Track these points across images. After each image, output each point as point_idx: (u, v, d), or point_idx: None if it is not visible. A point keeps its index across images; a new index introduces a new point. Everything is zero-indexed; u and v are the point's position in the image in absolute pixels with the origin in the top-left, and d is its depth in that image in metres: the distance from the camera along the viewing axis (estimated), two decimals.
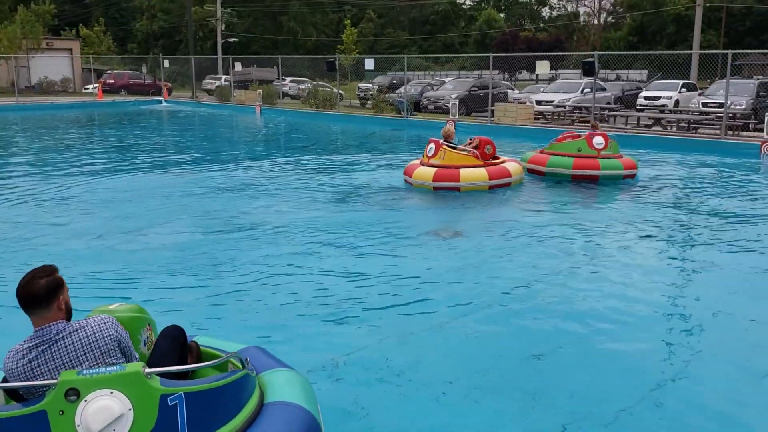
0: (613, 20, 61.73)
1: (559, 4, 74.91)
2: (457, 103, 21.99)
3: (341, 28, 43.64)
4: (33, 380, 2.60)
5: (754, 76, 24.97)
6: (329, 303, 5.38)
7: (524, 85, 35.08)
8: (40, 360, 2.64)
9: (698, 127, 18.42)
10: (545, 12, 72.89)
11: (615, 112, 21.01)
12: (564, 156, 11.22)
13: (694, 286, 5.92)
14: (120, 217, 8.48)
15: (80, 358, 2.67)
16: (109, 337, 2.73)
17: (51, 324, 2.68)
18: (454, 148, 10.61)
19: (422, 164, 10.58)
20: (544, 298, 5.56)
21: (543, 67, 21.76)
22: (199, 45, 54.84)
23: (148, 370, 2.53)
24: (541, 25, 61.70)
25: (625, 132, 18.48)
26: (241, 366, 2.92)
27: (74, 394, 2.44)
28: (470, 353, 4.51)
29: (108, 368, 2.53)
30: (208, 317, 5.10)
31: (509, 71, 41.74)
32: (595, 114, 19.80)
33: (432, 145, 10.52)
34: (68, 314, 2.76)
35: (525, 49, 44.58)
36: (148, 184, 11.01)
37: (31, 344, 2.66)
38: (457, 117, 21.06)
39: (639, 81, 33.79)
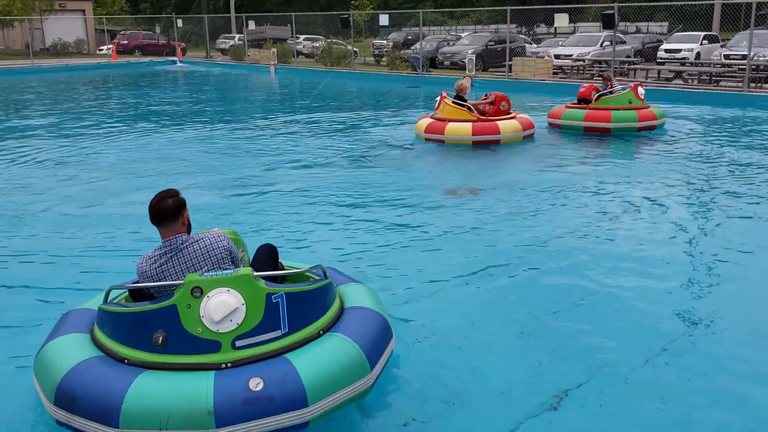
0: None
1: None
2: (474, 58, 21.70)
3: None
4: (163, 281, 3.21)
5: None
6: (347, 261, 5.43)
7: (543, 38, 34.45)
8: (168, 265, 3.24)
9: (720, 80, 18.07)
10: None
11: (635, 66, 20.64)
12: (618, 109, 11.18)
13: (716, 241, 5.88)
14: (137, 177, 8.55)
15: (200, 264, 3.25)
16: (223, 248, 3.32)
17: (176, 236, 3.27)
18: (463, 103, 10.62)
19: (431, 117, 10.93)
20: (561, 255, 5.55)
21: (562, 20, 21.33)
22: (212, 4, 54.28)
23: (255, 273, 3.08)
24: None
25: (646, 86, 18.15)
26: (324, 276, 3.45)
27: (198, 292, 2.97)
28: (487, 309, 4.54)
29: (224, 271, 3.08)
30: None
31: (527, 25, 40.97)
32: (615, 68, 19.47)
33: (438, 98, 10.81)
34: (189, 228, 3.37)
35: (543, 1, 43.65)
36: (166, 145, 11.06)
37: (160, 252, 3.26)
38: (474, 73, 20.84)
39: (659, 33, 33.07)
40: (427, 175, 8.60)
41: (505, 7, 20.92)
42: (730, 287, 4.88)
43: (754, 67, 17.19)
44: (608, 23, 18.70)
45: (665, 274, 5.10)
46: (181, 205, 3.27)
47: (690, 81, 18.82)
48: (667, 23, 38.37)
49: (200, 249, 3.27)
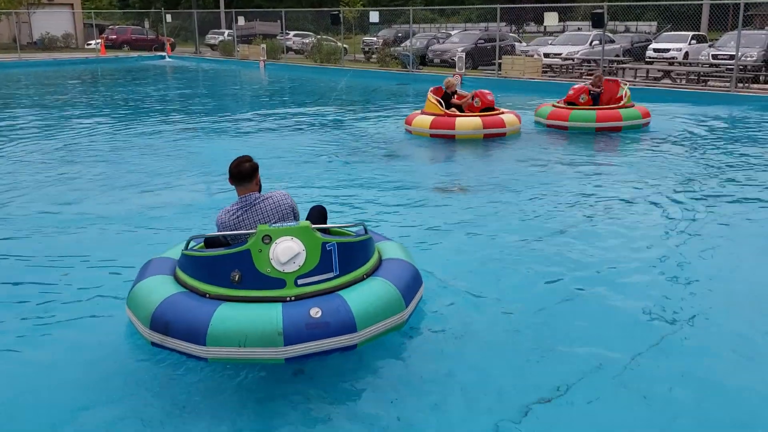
0: None
1: None
2: (464, 56, 21.72)
3: None
4: (238, 230, 3.92)
5: (767, 27, 24.55)
6: None
7: (532, 37, 34.52)
8: (243, 216, 3.98)
9: (708, 80, 18.19)
10: None
11: (624, 65, 20.73)
12: None
13: (703, 240, 5.92)
14: (127, 172, 8.51)
15: (269, 217, 4.01)
16: (287, 205, 4.10)
17: (250, 193, 4.03)
18: (449, 98, 11.10)
19: None
20: (548, 252, 5.58)
21: (551, 19, 21.40)
22: None
23: (313, 226, 3.80)
24: None
25: (635, 85, 18.26)
26: (365, 232, 4.17)
27: (268, 239, 3.68)
28: (475, 307, 4.54)
29: (289, 223, 3.86)
30: None
31: (516, 23, 41.05)
32: (604, 66, 19.54)
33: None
34: (260, 188, 4.12)
35: (534, 0, 43.76)
36: (152, 140, 10.99)
37: (237, 207, 4.01)
38: (463, 71, 20.85)
39: (648, 33, 33.23)
40: (416, 172, 8.60)
41: (495, 6, 20.93)
42: (717, 286, 4.91)
43: (741, 67, 17.30)
44: (597, 22, 18.76)
45: (653, 273, 5.12)
46: (255, 168, 4.05)
47: (678, 81, 18.92)
48: (656, 23, 38.56)
49: (270, 204, 4.04)
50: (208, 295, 3.75)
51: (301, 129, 12.14)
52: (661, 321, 4.32)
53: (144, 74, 25.51)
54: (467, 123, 10.66)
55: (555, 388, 3.53)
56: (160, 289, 3.89)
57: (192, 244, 4.03)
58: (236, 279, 3.69)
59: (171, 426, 3.24)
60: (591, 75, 16.50)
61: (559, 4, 21.10)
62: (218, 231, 4.02)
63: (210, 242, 4.11)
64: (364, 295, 3.81)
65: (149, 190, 7.70)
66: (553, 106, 11.90)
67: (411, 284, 4.15)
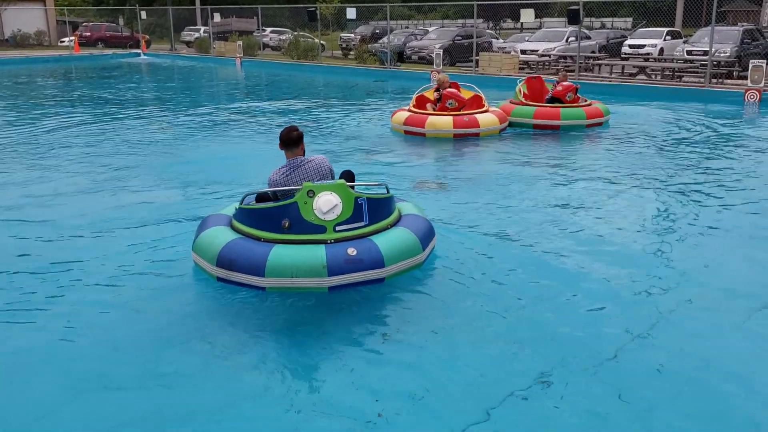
0: None
1: None
2: (441, 53, 21.71)
3: None
4: (287, 186, 4.81)
5: (739, 23, 24.84)
6: None
7: (509, 34, 34.61)
8: (291, 176, 4.89)
9: (682, 76, 18.35)
10: None
11: (599, 61, 20.85)
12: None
13: (679, 235, 5.96)
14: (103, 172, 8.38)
15: (312, 175, 4.91)
16: (327, 167, 5.03)
17: (297, 157, 4.95)
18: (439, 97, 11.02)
19: None
20: (523, 249, 5.59)
21: (528, 16, 21.46)
22: None
23: (347, 183, 4.66)
24: None
25: (610, 81, 18.39)
26: (387, 191, 5.07)
27: (312, 193, 4.53)
28: (449, 304, 4.55)
29: (328, 181, 4.86)
30: None
31: (493, 20, 41.16)
32: (580, 63, 19.64)
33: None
34: (304, 152, 5.01)
35: None
36: (126, 137, 10.83)
37: (286, 168, 4.94)
38: (441, 67, 20.84)
39: (624, 29, 33.45)
40: (397, 169, 8.57)
41: (471, 2, 20.95)
42: (693, 281, 4.94)
43: (715, 62, 17.49)
44: (573, 18, 18.85)
45: (629, 269, 5.14)
46: (301, 136, 4.96)
47: (653, 77, 19.07)
48: (631, 19, 38.85)
49: (313, 166, 4.94)
50: (262, 239, 4.59)
51: (279, 125, 12.05)
52: (636, 317, 4.33)
53: (118, 72, 25.17)
54: (437, 122, 10.49)
55: (534, 379, 3.53)
56: (221, 235, 4.75)
57: (246, 200, 4.90)
58: (286, 226, 4.52)
59: (227, 338, 4.08)
60: (569, 71, 16.55)
61: (535, 1, 21.09)
62: (270, 187, 4.89)
63: (260, 197, 4.95)
64: (390, 240, 4.69)
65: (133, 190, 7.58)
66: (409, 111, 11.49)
67: (427, 233, 5.04)
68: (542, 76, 12.91)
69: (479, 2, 21.09)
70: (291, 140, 4.92)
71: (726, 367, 3.75)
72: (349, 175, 5.21)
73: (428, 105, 11.16)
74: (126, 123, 12.53)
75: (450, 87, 11.02)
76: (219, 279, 4.68)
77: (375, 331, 4.15)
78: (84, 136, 11.08)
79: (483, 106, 11.11)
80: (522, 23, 34.47)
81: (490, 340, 4.05)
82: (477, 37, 22.61)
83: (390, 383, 3.58)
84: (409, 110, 11.01)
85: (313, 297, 4.49)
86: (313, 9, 26.15)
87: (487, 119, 10.67)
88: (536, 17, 25.88)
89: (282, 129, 5.01)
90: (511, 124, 11.42)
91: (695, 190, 7.40)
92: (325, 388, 3.56)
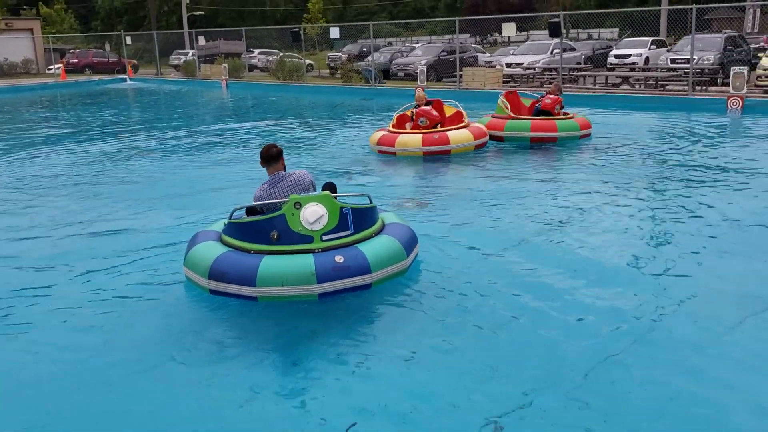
0: None
1: None
2: (425, 69, 21.65)
3: None
4: (271, 200, 5.01)
5: (724, 31, 24.82)
6: None
7: (496, 48, 34.65)
8: (273, 190, 5.11)
9: (666, 84, 18.28)
10: None
11: (583, 73, 20.80)
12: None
13: (658, 243, 5.82)
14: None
15: (294, 189, 5.09)
16: (308, 180, 5.22)
17: (278, 172, 5.18)
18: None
19: None
20: (503, 265, 5.47)
21: (510, 30, 21.41)
22: (165, 19, 53.57)
23: (331, 195, 4.83)
24: None
25: (594, 92, 18.31)
26: (370, 202, 5.25)
27: (298, 205, 4.70)
28: (427, 324, 4.47)
29: (313, 193, 5.09)
30: None
31: (480, 34, 41.24)
32: (564, 75, 19.57)
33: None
34: (284, 167, 5.23)
35: (495, 11, 43.95)
36: (101, 162, 10.66)
37: (269, 182, 5.15)
38: (425, 84, 20.75)
39: (610, 39, 33.49)
40: (378, 186, 8.37)
41: (454, 18, 20.92)
42: (673, 297, 4.79)
43: (698, 70, 17.41)
44: (554, 31, 18.80)
45: (611, 284, 5.01)
46: (280, 152, 5.21)
47: (638, 86, 19.00)
48: (617, 29, 38.95)
49: (294, 179, 5.15)
50: (252, 251, 4.74)
51: (259, 146, 11.88)
52: (623, 330, 4.24)
53: (101, 98, 25.07)
54: (407, 141, 10.28)
55: (521, 395, 3.46)
56: (212, 249, 4.92)
57: (235, 214, 5.08)
58: (275, 237, 4.69)
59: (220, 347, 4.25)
60: (552, 83, 16.45)
61: (520, 15, 21.07)
62: (255, 202, 5.08)
63: (250, 211, 5.18)
64: (375, 247, 4.88)
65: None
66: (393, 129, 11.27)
67: (410, 240, 5.25)
68: (517, 90, 12.78)
69: (461, 18, 21.06)
70: (271, 156, 5.15)
71: (710, 374, 3.66)
72: (331, 187, 5.43)
73: (406, 124, 11.02)
74: (101, 148, 12.35)
75: (426, 105, 10.88)
76: (212, 291, 4.82)
77: (360, 342, 4.25)
78: (59, 166, 10.90)
79: (463, 122, 10.93)
80: (509, 37, 34.53)
81: (469, 359, 3.96)
82: (462, 52, 22.55)
83: (373, 398, 3.57)
84: (388, 130, 10.84)
85: (304, 305, 4.67)
86: (296, 30, 26.11)
87: (459, 136, 10.35)
88: (523, 30, 25.91)
89: (262, 147, 5.25)
90: (504, 139, 11.26)
91: (678, 203, 7.23)
92: (303, 400, 3.64)
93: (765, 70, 16.64)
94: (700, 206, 7.02)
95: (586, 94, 17.93)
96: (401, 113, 11.27)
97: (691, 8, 16.29)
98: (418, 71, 21.80)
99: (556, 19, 18.58)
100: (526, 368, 3.80)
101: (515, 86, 20.98)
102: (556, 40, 22.15)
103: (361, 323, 4.53)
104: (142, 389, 3.78)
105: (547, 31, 32.65)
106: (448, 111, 11.37)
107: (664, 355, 3.92)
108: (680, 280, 5.06)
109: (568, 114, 11.61)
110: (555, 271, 5.32)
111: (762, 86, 16.34)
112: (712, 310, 4.54)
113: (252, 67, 32.39)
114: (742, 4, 26.35)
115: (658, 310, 4.53)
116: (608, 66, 22.48)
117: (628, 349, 3.98)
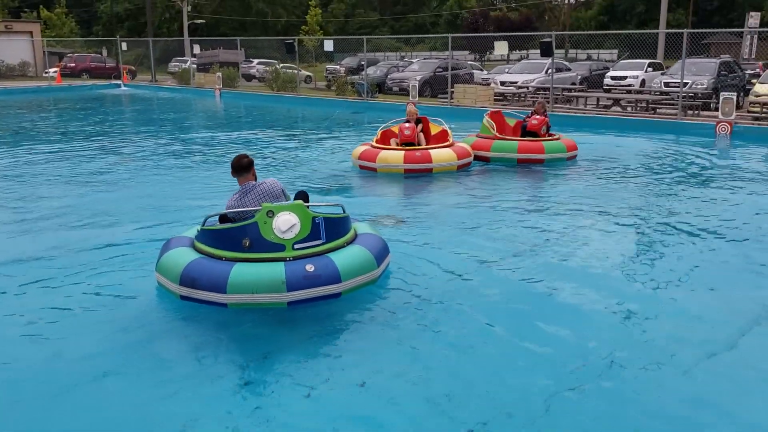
0: None
1: None
2: (417, 85, 21.53)
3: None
4: (243, 209, 4.99)
5: (721, 55, 24.72)
6: None
7: (495, 65, 34.58)
8: (245, 200, 5.09)
9: (657, 108, 18.13)
10: None
11: (575, 93, 20.67)
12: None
13: (634, 271, 5.63)
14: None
15: (265, 198, 5.07)
16: (278, 189, 5.22)
17: (248, 182, 5.17)
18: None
19: None
20: (474, 288, 5.34)
21: (502, 48, 21.31)
22: (166, 27, 53.62)
23: (304, 204, 4.86)
24: (513, 4, 60.84)
25: (585, 113, 18.15)
26: (344, 211, 5.26)
27: (271, 213, 4.71)
28: (389, 344, 4.39)
29: (286, 202, 5.08)
30: None
31: (479, 51, 41.21)
32: (556, 95, 19.42)
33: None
34: (255, 177, 5.24)
35: (495, 29, 43.96)
36: (79, 170, 10.45)
37: (240, 192, 5.13)
38: (417, 99, 20.60)
39: (609, 61, 33.43)
40: (359, 201, 8.16)
41: (446, 35, 20.82)
42: (660, 321, 4.66)
43: (692, 94, 17.25)
44: (546, 51, 18.67)
45: (576, 315, 4.83)
46: (251, 162, 5.22)
47: (629, 108, 18.85)
48: (616, 50, 38.92)
49: (264, 188, 5.15)
50: (224, 258, 4.76)
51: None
52: (590, 361, 4.07)
53: (92, 104, 24.93)
54: (388, 157, 10.05)
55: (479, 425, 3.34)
56: (184, 256, 4.92)
57: (208, 221, 5.10)
58: (247, 245, 4.70)
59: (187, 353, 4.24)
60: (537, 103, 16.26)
61: (516, 33, 20.97)
62: (227, 210, 5.10)
63: (222, 219, 5.17)
64: (346, 256, 4.90)
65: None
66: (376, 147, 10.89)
67: (381, 250, 5.28)
68: (501, 110, 12.59)
69: (453, 35, 20.94)
70: (242, 167, 5.16)
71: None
72: (304, 196, 5.44)
73: (392, 140, 10.80)
74: (84, 155, 12.16)
75: (416, 122, 10.68)
76: (182, 297, 4.81)
77: (318, 361, 4.15)
78: (37, 172, 10.69)
79: (448, 140, 10.69)
80: (505, 55, 34.45)
81: (426, 383, 3.83)
82: (456, 69, 22.42)
83: (322, 427, 3.44)
84: (371, 145, 10.59)
85: (272, 311, 4.70)
86: (291, 41, 26.01)
87: (442, 155, 10.11)
88: (522, 49, 25.82)
89: (233, 158, 5.26)
90: (491, 160, 11.04)
91: (663, 224, 7.09)
92: (275, 408, 3.62)
93: (758, 96, 16.50)
94: (682, 231, 6.86)
95: (577, 114, 17.76)
96: (386, 128, 11.06)
97: (683, 32, 16.15)
98: (410, 86, 21.67)
99: (547, 39, 18.45)
100: (486, 396, 3.67)
101: (506, 104, 20.83)
102: (550, 60, 22.06)
103: (325, 338, 4.46)
104: (86, 406, 3.65)
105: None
106: (434, 129, 11.15)
107: (631, 386, 3.80)
108: (651, 308, 4.89)
109: (553, 135, 11.40)
110: (527, 296, 5.19)
111: (753, 113, 16.18)
112: (692, 334, 4.40)
113: (250, 77, 32.30)
114: (738, 30, 26.27)
115: (626, 342, 4.37)
116: (604, 87, 22.35)
117: (590, 382, 3.83)
